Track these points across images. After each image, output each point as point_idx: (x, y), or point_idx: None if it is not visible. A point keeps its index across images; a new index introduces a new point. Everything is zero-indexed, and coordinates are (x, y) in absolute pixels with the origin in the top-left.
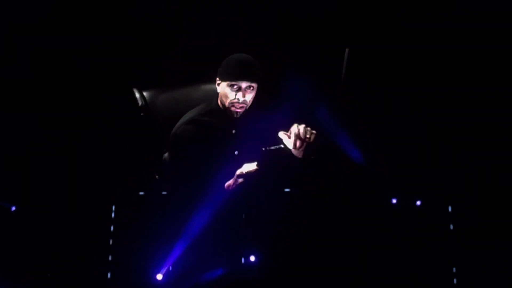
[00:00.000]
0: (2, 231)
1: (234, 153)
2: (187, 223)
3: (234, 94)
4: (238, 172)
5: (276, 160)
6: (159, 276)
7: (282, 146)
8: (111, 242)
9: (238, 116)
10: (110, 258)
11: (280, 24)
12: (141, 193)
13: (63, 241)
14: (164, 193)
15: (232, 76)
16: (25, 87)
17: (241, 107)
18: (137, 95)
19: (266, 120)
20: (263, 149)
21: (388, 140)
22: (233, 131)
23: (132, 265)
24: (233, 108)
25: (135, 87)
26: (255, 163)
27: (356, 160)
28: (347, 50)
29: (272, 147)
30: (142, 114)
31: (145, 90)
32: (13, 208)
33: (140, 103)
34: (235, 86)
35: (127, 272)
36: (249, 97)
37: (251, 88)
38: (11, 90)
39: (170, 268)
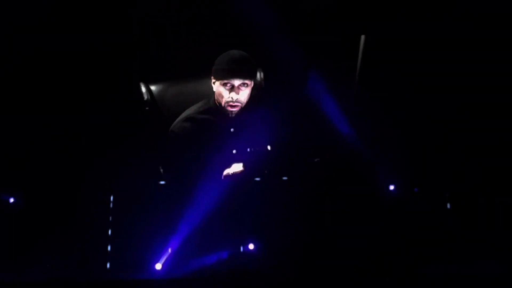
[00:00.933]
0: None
1: (232, 152)
2: (185, 213)
3: (227, 93)
4: (225, 172)
5: (262, 161)
6: (158, 266)
7: (269, 147)
8: (110, 232)
9: (233, 115)
10: (109, 248)
11: (284, 17)
12: (140, 183)
13: (62, 231)
14: (162, 182)
15: (224, 75)
16: (26, 86)
17: (235, 106)
18: (143, 89)
19: (265, 119)
20: (248, 150)
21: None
22: (232, 130)
23: (131, 255)
24: (228, 108)
25: (142, 81)
26: (241, 164)
27: (355, 147)
28: (363, 37)
29: (258, 148)
30: (147, 108)
31: (152, 84)
32: (11, 200)
33: (145, 97)
34: (228, 85)
35: (127, 262)
36: (244, 95)
37: (245, 85)
38: (13, 89)
39: (169, 258)
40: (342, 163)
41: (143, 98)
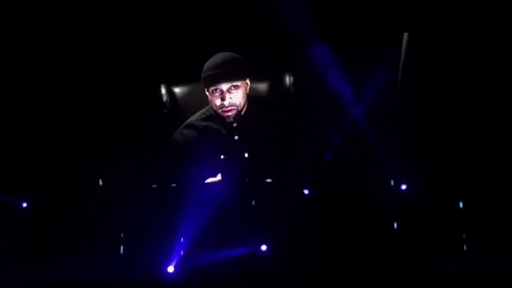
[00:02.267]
0: (14, 227)
1: (241, 158)
2: (197, 215)
3: (219, 100)
4: (206, 181)
5: (239, 169)
6: (171, 269)
7: (246, 155)
8: (122, 235)
9: (230, 119)
10: (121, 251)
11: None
12: (154, 185)
13: (75, 235)
14: (174, 185)
15: (211, 81)
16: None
17: (230, 110)
18: (163, 91)
19: (275, 126)
20: (222, 157)
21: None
22: (236, 137)
23: (143, 258)
24: (223, 113)
25: (164, 83)
26: (220, 174)
27: (374, 147)
28: (405, 34)
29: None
30: (165, 110)
31: (175, 86)
32: (24, 205)
33: (164, 99)
34: (218, 90)
35: (139, 265)
36: (236, 97)
37: (236, 87)
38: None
39: (182, 260)
40: (354, 162)
41: (162, 100)
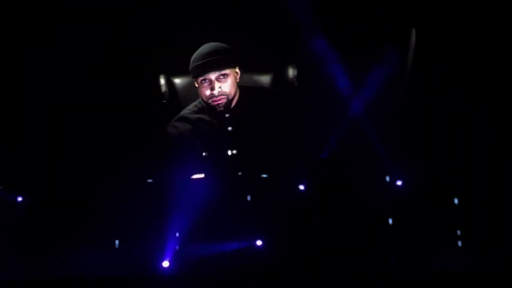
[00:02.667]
0: (10, 222)
1: (232, 151)
2: (192, 210)
3: (208, 89)
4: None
5: (222, 166)
6: (166, 263)
7: (229, 152)
8: (117, 230)
9: (221, 109)
10: (116, 245)
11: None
12: (149, 180)
13: (70, 229)
14: (169, 179)
15: (199, 72)
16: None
17: (220, 99)
18: (162, 81)
19: (269, 117)
20: (204, 154)
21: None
22: (229, 128)
23: (138, 253)
24: (214, 103)
25: (163, 73)
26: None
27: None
28: (413, 30)
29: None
30: (164, 101)
31: (176, 77)
32: (19, 199)
33: (163, 90)
34: (206, 80)
35: (134, 260)
36: (226, 86)
37: (224, 75)
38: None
39: (177, 255)
40: (350, 158)
41: (161, 90)
